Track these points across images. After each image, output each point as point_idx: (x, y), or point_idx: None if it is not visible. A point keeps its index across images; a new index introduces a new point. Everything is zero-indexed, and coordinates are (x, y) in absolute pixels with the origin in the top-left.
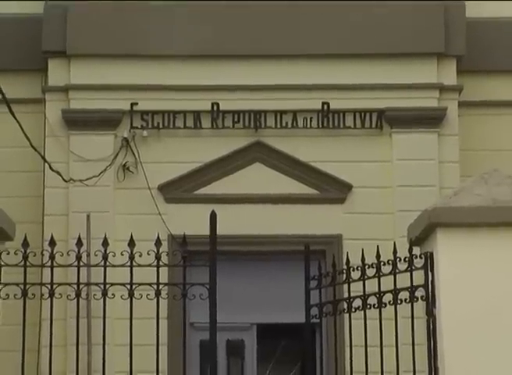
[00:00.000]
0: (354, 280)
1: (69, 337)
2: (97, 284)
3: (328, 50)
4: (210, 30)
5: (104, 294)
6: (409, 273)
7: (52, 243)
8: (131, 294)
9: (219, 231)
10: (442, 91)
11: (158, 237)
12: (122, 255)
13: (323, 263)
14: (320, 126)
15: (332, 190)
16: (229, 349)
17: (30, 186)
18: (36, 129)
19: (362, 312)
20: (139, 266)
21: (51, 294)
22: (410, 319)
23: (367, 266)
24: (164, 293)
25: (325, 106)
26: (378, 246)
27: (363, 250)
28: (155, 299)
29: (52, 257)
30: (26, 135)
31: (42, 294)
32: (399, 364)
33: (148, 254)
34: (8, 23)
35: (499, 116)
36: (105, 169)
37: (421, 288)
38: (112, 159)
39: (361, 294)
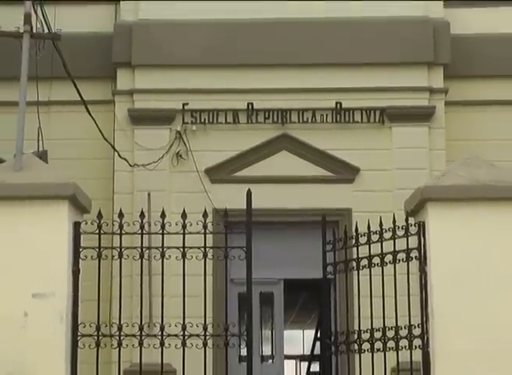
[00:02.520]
0: (362, 244)
1: (134, 290)
2: (156, 248)
3: (340, 60)
4: (247, 45)
5: (162, 255)
6: (405, 238)
7: (121, 215)
8: (184, 256)
9: (254, 205)
10: (431, 92)
11: (205, 211)
12: (177, 224)
13: (336, 231)
14: (334, 121)
15: (343, 172)
16: (261, 300)
17: (103, 170)
18: (107, 124)
19: (368, 269)
20: (190, 233)
21: (120, 256)
22: (406, 275)
23: (372, 233)
24: (210, 255)
25: (338, 105)
26: (380, 217)
27: (369, 220)
28: (203, 260)
29: (121, 226)
30: (99, 129)
31: (113, 256)
32: (397, 310)
33: (197, 224)
34: (84, 39)
35: (478, 112)
36: (162, 156)
37: (415, 250)
38: (167, 148)
39: (367, 255)
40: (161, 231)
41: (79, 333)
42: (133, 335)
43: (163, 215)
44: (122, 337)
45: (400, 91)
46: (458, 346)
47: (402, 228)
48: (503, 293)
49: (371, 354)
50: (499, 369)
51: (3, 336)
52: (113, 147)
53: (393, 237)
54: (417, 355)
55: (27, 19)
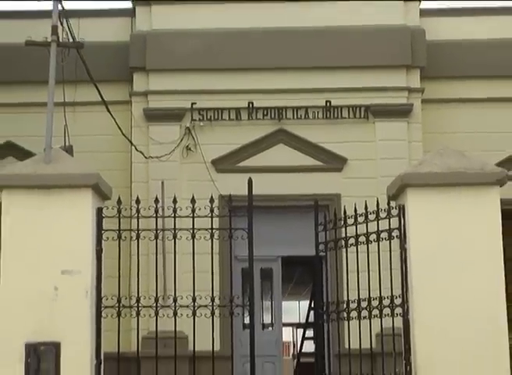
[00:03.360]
0: (349, 225)
1: (150, 267)
2: (169, 230)
3: (330, 63)
4: (247, 51)
5: (175, 236)
6: (388, 220)
7: (138, 201)
8: (193, 236)
9: (254, 192)
10: (409, 92)
11: (212, 197)
12: (187, 209)
13: (327, 213)
14: (324, 117)
15: (333, 162)
16: (262, 274)
17: (122, 162)
18: (125, 122)
19: (355, 247)
20: (198, 216)
21: (138, 237)
22: (388, 252)
23: (358, 215)
24: (216, 235)
25: (328, 103)
26: (366, 201)
27: (355, 204)
28: (210, 240)
29: (138, 211)
30: (118, 126)
31: (131, 237)
32: (381, 283)
33: (205, 208)
34: (105, 47)
35: (451, 109)
36: (174, 149)
37: (396, 230)
38: (178, 142)
39: (354, 234)
40: (173, 215)
41: (102, 305)
42: (150, 306)
43: (175, 201)
44: (140, 308)
45: (382, 90)
46: (434, 313)
47: (384, 211)
48: (472, 266)
49: (358, 321)
50: (469, 331)
51: (37, 307)
52: (130, 141)
53: (377, 219)
54: (399, 322)
55: (54, 30)
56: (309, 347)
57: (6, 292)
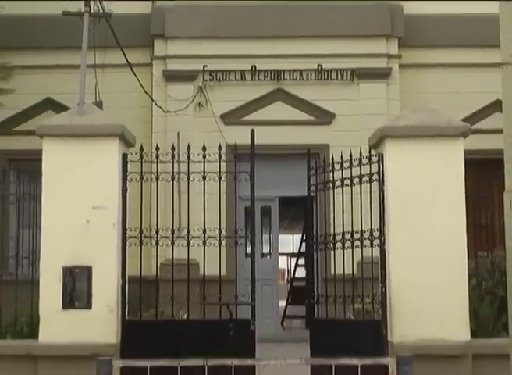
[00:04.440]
0: (336, 170)
1: (168, 205)
2: (183, 173)
3: (322, 33)
4: (251, 21)
5: (188, 178)
6: (369, 165)
7: (157, 148)
8: (204, 179)
9: (256, 141)
10: (389, 57)
11: (220, 145)
12: (199, 155)
13: (318, 160)
14: (316, 79)
15: (323, 117)
16: (262, 212)
17: (144, 115)
18: (147, 82)
19: (340, 189)
20: (208, 162)
21: (157, 179)
22: (369, 193)
23: (344, 162)
24: (223, 178)
25: (320, 67)
26: (350, 150)
27: (341, 152)
28: (218, 182)
29: (157, 157)
30: (141, 85)
31: (152, 179)
32: (362, 219)
33: (214, 155)
34: (130, 17)
35: (423, 72)
36: (188, 105)
37: (375, 174)
38: (192, 99)
39: (340, 178)
40: (187, 160)
41: (127, 236)
42: (167, 237)
43: (188, 148)
44: (159, 239)
45: (365, 56)
46: (406, 244)
47: (366, 158)
48: (438, 204)
49: (342, 251)
50: (435, 258)
51: (72, 238)
52: (151, 98)
53: (360, 165)
54: (377, 252)
55: (87, 2)
56: (301, 273)
57: (47, 224)
